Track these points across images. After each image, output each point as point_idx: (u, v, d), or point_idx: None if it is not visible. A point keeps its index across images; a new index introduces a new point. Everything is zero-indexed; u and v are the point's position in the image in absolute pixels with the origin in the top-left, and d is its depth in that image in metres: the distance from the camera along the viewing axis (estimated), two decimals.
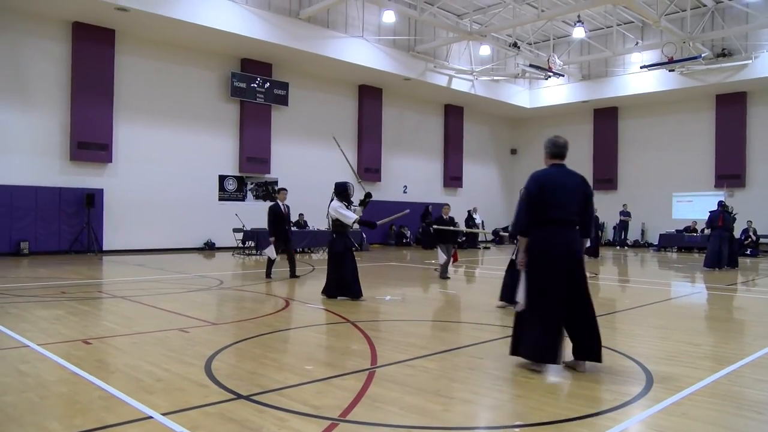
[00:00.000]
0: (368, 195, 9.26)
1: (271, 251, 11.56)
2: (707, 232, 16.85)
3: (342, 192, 8.90)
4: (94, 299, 8.82)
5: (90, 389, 4.23)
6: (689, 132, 25.22)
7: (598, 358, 4.85)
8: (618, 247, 24.92)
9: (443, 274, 12.06)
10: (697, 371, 4.96)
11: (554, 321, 4.81)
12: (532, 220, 4.90)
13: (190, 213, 19.09)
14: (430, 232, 23.46)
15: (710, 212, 15.65)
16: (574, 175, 5.09)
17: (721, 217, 15.23)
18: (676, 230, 24.24)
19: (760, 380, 4.78)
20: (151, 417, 3.67)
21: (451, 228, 11.75)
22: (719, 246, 15.07)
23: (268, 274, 11.62)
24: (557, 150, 5.11)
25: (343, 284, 8.84)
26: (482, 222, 25.24)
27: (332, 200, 8.91)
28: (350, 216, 8.71)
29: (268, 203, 20.89)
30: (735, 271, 15.00)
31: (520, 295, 4.93)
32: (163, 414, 3.71)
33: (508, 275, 8.47)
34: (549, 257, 4.85)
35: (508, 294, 8.40)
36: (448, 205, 12.55)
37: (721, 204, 15.53)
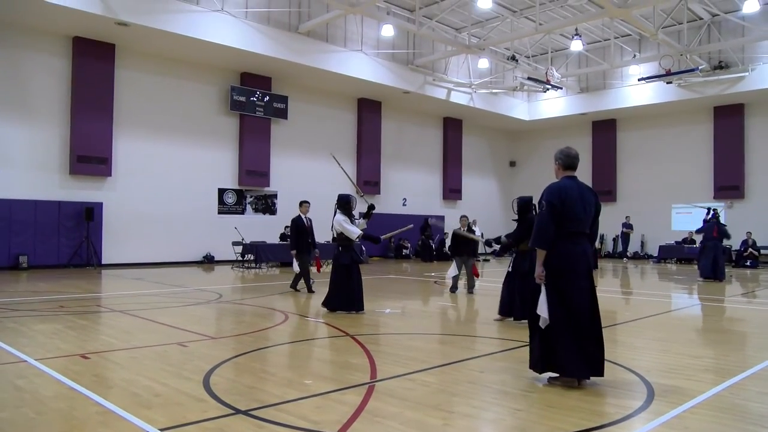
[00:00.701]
0: (371, 207, 9.25)
1: (295, 265, 11.43)
2: (698, 242, 17.12)
3: (345, 204, 8.92)
4: (92, 313, 8.78)
5: (87, 404, 4.20)
6: (688, 144, 25.29)
7: (601, 373, 4.81)
8: (623, 259, 24.80)
9: (452, 289, 11.87)
10: (698, 384, 4.93)
11: (587, 333, 4.77)
12: (555, 233, 4.82)
13: (190, 226, 19.07)
14: (430, 245, 23.50)
15: (704, 222, 15.92)
16: (587, 187, 5.07)
17: (716, 228, 15.49)
18: (676, 242, 24.23)
19: (762, 393, 4.75)
20: None
21: (465, 235, 11.44)
22: (714, 257, 15.35)
23: (309, 288, 11.51)
24: (570, 161, 5.07)
25: (347, 298, 8.77)
26: (482, 234, 25.19)
27: (336, 213, 8.90)
28: (354, 230, 8.72)
29: (268, 216, 21.15)
30: (723, 283, 15.01)
31: (543, 310, 4.81)
32: (161, 429, 3.68)
33: (506, 288, 8.43)
34: (572, 269, 4.83)
35: (506, 308, 8.35)
36: (465, 216, 12.25)
37: (715, 216, 15.74)
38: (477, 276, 11.88)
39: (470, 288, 11.82)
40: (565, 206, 4.82)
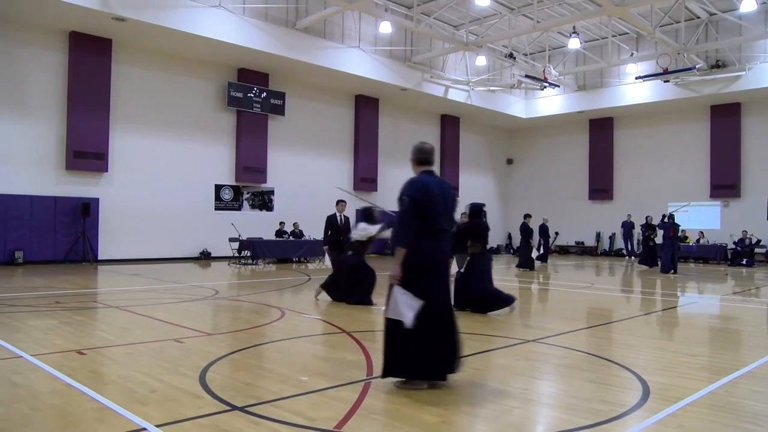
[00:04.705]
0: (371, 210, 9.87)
1: (327, 260, 11.58)
2: (659, 239, 19.04)
3: (368, 215, 9.60)
4: (88, 309, 8.77)
5: (83, 401, 4.19)
6: (684, 142, 25.32)
7: (456, 369, 4.66)
8: (627, 258, 24.70)
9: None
10: (693, 382, 4.95)
11: (447, 334, 4.61)
12: (419, 230, 4.54)
13: (186, 222, 19.04)
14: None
15: (662, 224, 17.82)
16: (444, 181, 4.89)
17: (672, 228, 17.50)
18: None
19: (756, 391, 4.77)
20: (144, 429, 3.64)
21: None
22: (672, 254, 17.37)
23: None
24: (424, 156, 4.89)
25: (361, 290, 9.26)
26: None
27: (358, 223, 9.65)
28: (374, 228, 9.35)
29: (265, 213, 21.11)
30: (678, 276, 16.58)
31: (403, 312, 4.43)
32: (157, 426, 3.68)
33: (459, 284, 8.85)
34: (435, 269, 4.59)
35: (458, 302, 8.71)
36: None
37: (671, 217, 17.63)
38: None
39: None
40: (428, 202, 4.61)
